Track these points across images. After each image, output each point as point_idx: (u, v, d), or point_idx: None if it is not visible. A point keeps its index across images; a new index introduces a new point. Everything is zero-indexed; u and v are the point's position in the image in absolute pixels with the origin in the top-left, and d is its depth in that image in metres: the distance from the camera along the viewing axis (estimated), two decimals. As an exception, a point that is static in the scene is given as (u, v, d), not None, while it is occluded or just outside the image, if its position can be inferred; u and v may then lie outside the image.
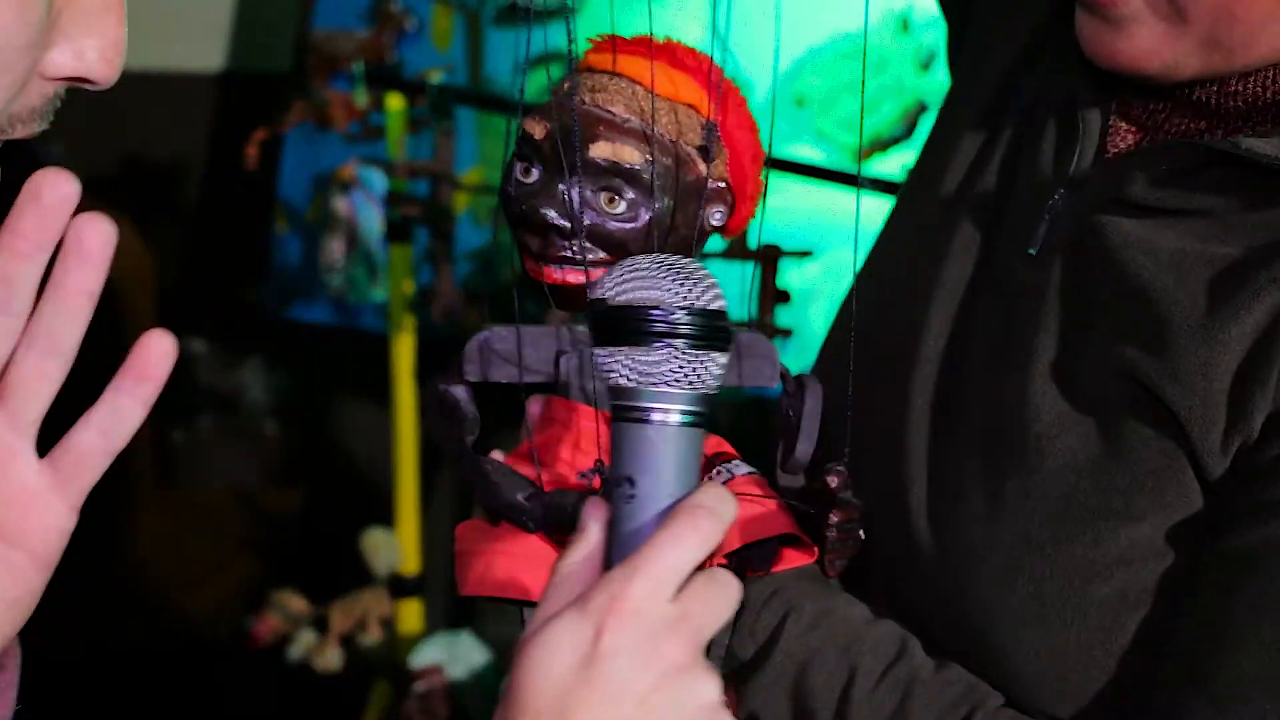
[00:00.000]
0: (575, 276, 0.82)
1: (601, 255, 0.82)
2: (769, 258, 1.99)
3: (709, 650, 0.70)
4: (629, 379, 0.70)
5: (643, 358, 0.70)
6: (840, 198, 2.14)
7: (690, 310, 0.70)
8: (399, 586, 2.57)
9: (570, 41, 0.79)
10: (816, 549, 0.87)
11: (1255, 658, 0.80)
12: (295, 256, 2.88)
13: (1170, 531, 0.86)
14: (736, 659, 0.91)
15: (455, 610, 2.74)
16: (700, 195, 0.83)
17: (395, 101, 2.42)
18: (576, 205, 0.81)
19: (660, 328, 0.69)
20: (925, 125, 2.59)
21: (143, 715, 2.66)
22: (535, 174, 0.83)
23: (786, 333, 2.05)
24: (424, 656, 2.49)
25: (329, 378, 3.09)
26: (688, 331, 0.69)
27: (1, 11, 0.61)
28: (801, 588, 0.91)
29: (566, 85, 0.84)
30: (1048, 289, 0.92)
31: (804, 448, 0.86)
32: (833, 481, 0.85)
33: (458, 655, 2.51)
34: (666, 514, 0.69)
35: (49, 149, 2.74)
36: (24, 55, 0.63)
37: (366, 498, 2.80)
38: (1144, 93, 0.93)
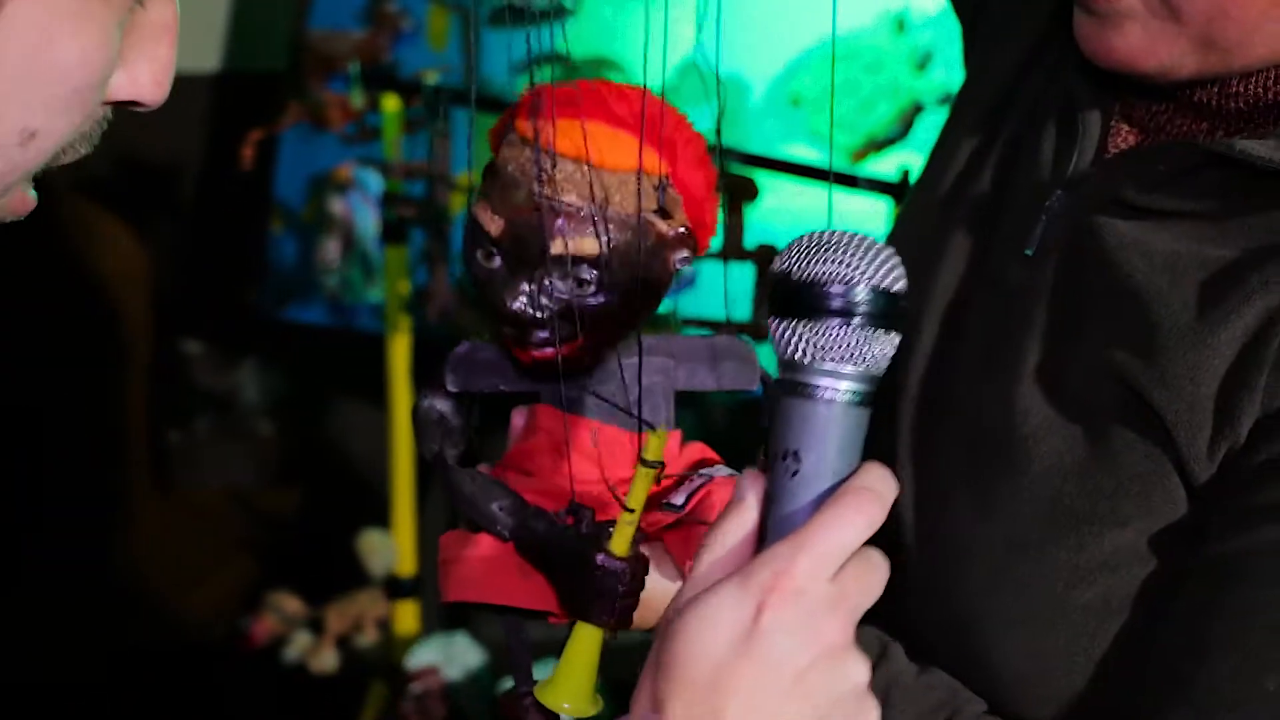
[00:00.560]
0: (554, 353, 0.82)
1: (581, 331, 0.81)
2: (764, 258, 1.99)
3: None
4: (803, 352, 0.69)
5: (819, 332, 0.68)
6: (838, 198, 2.14)
7: (873, 289, 0.68)
8: (395, 588, 2.57)
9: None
10: None
11: (1237, 666, 0.79)
12: (291, 257, 2.88)
13: (1155, 537, 0.85)
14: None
15: (451, 612, 2.74)
16: (664, 248, 0.83)
17: (391, 102, 2.42)
18: (547, 298, 0.80)
19: (839, 304, 0.68)
20: (921, 125, 2.60)
21: (138, 716, 2.66)
22: (497, 261, 0.82)
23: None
24: (420, 658, 2.49)
25: (325, 378, 3.09)
26: (866, 310, 0.68)
27: (90, 50, 0.62)
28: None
29: (503, 168, 0.82)
30: (1042, 290, 0.92)
31: None
32: None
33: (454, 656, 2.51)
34: (830, 492, 0.68)
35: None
36: (101, 87, 0.64)
37: (362, 499, 2.80)
38: (1146, 94, 0.93)
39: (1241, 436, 0.82)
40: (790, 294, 0.69)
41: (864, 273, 0.68)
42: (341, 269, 2.76)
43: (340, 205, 2.73)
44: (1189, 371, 0.84)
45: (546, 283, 0.80)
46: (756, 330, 1.98)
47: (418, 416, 0.88)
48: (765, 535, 0.70)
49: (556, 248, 0.80)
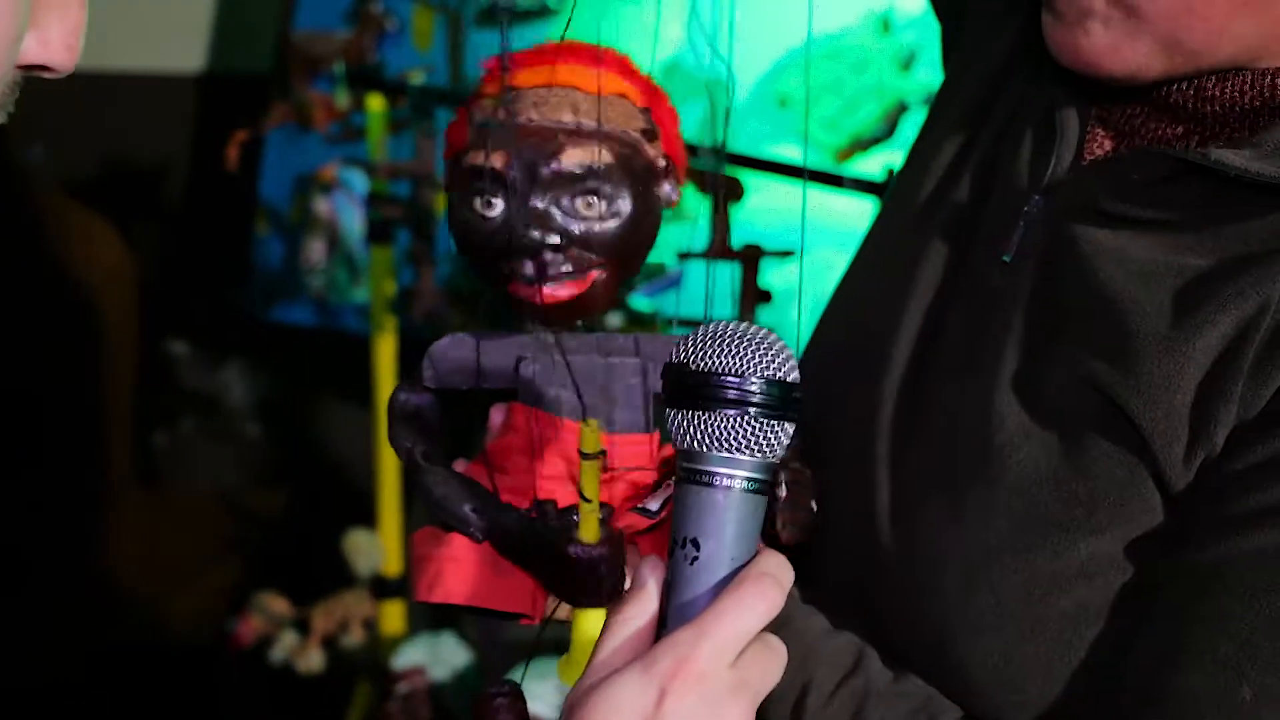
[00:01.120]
0: (569, 290, 0.83)
1: (595, 259, 0.82)
2: (751, 258, 1.99)
3: None
4: (699, 443, 0.71)
5: (715, 423, 0.71)
6: (823, 197, 2.14)
7: (766, 380, 0.71)
8: (381, 588, 2.57)
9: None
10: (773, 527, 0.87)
11: (1211, 676, 0.79)
12: (276, 258, 2.87)
13: (1131, 545, 0.85)
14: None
15: (438, 611, 2.73)
16: (654, 176, 0.85)
17: (376, 102, 2.41)
18: (560, 219, 0.81)
19: (733, 395, 0.71)
20: (906, 125, 2.60)
21: (124, 717, 2.65)
22: (498, 205, 0.82)
23: (768, 333, 2.05)
24: (406, 658, 2.48)
25: (310, 379, 3.09)
26: (760, 400, 0.71)
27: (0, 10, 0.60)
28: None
29: (497, 109, 0.84)
30: (1019, 297, 0.92)
31: None
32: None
33: (440, 656, 2.51)
34: (729, 579, 0.70)
35: (29, 150, 2.74)
36: (12, 50, 0.62)
37: (348, 499, 2.80)
38: (1121, 98, 0.93)
39: (1218, 445, 0.82)
40: (686, 385, 0.72)
41: (757, 364, 0.71)
42: (327, 269, 2.75)
43: (325, 206, 2.73)
44: (1164, 380, 0.84)
45: (557, 206, 0.81)
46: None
47: (392, 411, 0.89)
48: (665, 621, 0.72)
49: (570, 158, 0.81)
